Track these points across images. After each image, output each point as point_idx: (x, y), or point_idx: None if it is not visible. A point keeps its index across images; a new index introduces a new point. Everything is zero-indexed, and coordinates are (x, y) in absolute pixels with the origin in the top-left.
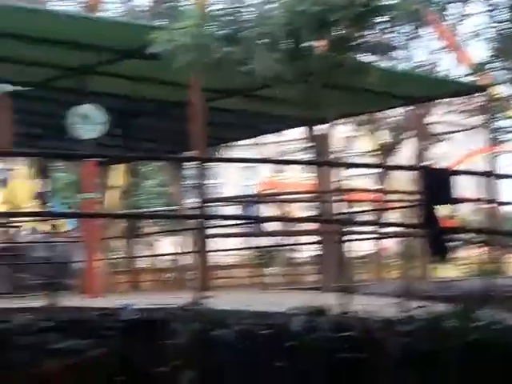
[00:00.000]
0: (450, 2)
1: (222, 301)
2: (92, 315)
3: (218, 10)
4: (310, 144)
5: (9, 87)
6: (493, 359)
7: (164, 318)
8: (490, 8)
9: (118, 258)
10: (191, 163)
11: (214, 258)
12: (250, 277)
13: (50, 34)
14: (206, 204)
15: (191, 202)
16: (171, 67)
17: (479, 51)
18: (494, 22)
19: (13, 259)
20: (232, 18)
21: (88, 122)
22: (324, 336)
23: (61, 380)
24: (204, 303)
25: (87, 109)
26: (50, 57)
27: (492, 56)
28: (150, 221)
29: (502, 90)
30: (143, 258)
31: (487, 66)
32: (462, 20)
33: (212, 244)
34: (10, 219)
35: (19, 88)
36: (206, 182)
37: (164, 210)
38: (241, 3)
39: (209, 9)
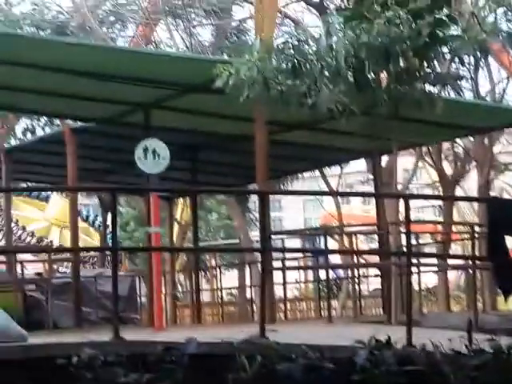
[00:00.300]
0: None
1: (287, 334)
2: (156, 349)
3: (282, 44)
4: (372, 176)
5: None
6: None
7: (228, 351)
8: None
9: (181, 291)
10: (255, 196)
11: (277, 291)
12: (315, 310)
13: (114, 70)
14: (269, 237)
15: (255, 234)
16: (235, 101)
17: None
18: None
19: (78, 293)
20: (296, 51)
21: (153, 156)
22: (390, 370)
23: None
24: (269, 337)
25: (152, 143)
26: (115, 92)
27: None
28: (214, 254)
29: None
30: (207, 292)
31: None
32: None
33: (275, 277)
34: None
35: (84, 124)
36: (269, 214)
37: (228, 243)
38: (305, 36)
39: (273, 42)
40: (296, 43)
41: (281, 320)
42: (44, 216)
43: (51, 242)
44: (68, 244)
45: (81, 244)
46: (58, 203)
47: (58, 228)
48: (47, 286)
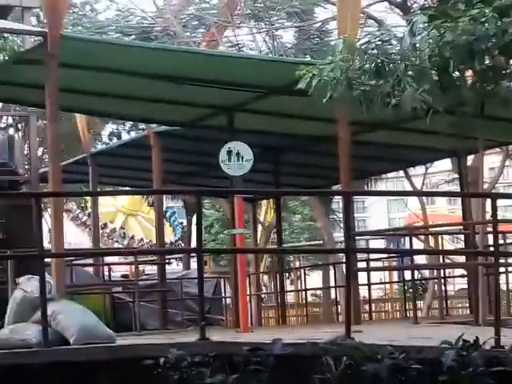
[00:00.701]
0: None
1: (372, 335)
2: (242, 350)
3: (365, 44)
4: (458, 175)
5: None
6: None
7: (314, 352)
8: None
9: (266, 292)
10: (338, 197)
11: (362, 292)
12: (400, 310)
13: (197, 73)
14: (354, 237)
15: (339, 235)
16: (318, 102)
17: None
18: None
19: (164, 295)
20: (379, 51)
21: (236, 158)
22: (477, 371)
23: None
24: (354, 337)
25: (236, 146)
26: (200, 96)
27: None
28: (298, 255)
29: None
30: (291, 293)
31: None
32: None
33: (360, 278)
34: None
35: (169, 127)
36: (353, 215)
37: (311, 245)
38: (388, 36)
39: (356, 43)
40: (379, 43)
41: (366, 321)
42: (113, 202)
43: (123, 230)
44: (132, 231)
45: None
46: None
47: (123, 215)
48: (134, 288)
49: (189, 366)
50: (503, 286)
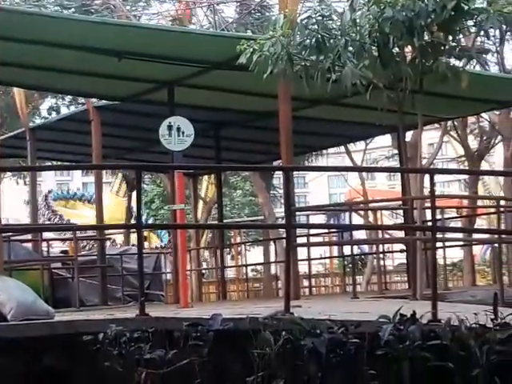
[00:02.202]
0: None
1: (312, 310)
2: (181, 325)
3: (306, 19)
4: (397, 151)
5: None
6: None
7: (253, 327)
8: None
9: (207, 268)
10: (279, 172)
11: (302, 267)
12: (339, 285)
13: (138, 47)
14: (294, 213)
15: (279, 211)
16: (259, 77)
17: None
18: None
19: (103, 271)
20: (320, 26)
21: (177, 133)
22: (414, 344)
23: None
24: (293, 312)
25: (176, 121)
26: (140, 70)
27: None
28: (239, 230)
29: None
30: (232, 268)
31: None
32: None
33: (300, 253)
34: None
35: (109, 102)
36: (293, 190)
37: (252, 220)
38: (328, 11)
39: (297, 18)
40: (320, 18)
41: (305, 296)
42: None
43: None
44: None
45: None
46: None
47: None
48: (73, 263)
49: (128, 341)
50: (440, 261)
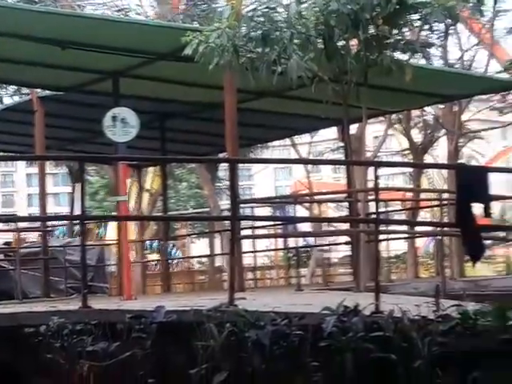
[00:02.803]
0: None
1: (256, 302)
2: (124, 317)
3: (251, 11)
4: (343, 143)
5: None
6: None
7: (197, 319)
8: None
9: (151, 260)
10: (225, 164)
11: (247, 260)
12: (284, 278)
13: (82, 37)
14: (239, 205)
15: (225, 203)
16: (205, 69)
17: None
18: None
19: (46, 263)
20: (266, 18)
21: (122, 125)
22: (357, 336)
23: (94, 382)
24: (237, 304)
25: (121, 112)
26: (85, 61)
27: None
28: (184, 223)
29: None
30: (177, 260)
31: None
32: (497, 16)
33: (245, 245)
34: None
35: (53, 92)
36: (239, 183)
37: (198, 212)
38: (274, 3)
39: (243, 10)
40: (266, 10)
41: (250, 288)
42: None
43: None
44: None
45: None
46: None
47: None
48: (15, 255)
49: (70, 333)
50: (384, 253)
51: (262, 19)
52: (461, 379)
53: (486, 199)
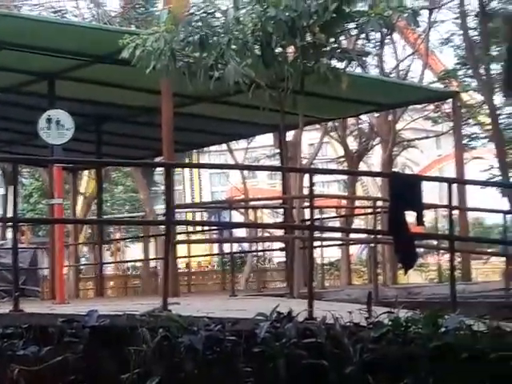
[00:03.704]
0: (421, 8)
1: (190, 307)
2: (56, 321)
3: (190, 15)
4: (279, 150)
5: None
6: (459, 365)
7: (130, 324)
8: (459, 16)
9: (85, 264)
10: (161, 169)
11: (182, 264)
12: (219, 283)
13: (20, 38)
14: (174, 210)
15: (160, 207)
16: (142, 72)
17: (449, 58)
18: (462, 30)
19: None
20: (203, 23)
21: (57, 127)
22: (290, 342)
23: None
24: (171, 309)
25: (56, 114)
26: (20, 62)
27: (460, 63)
28: (119, 227)
29: (470, 97)
30: (111, 264)
31: (456, 73)
32: (432, 27)
33: (180, 250)
34: None
35: None
36: (175, 187)
37: (133, 216)
38: (212, 9)
39: (181, 14)
40: (204, 15)
41: (184, 293)
42: None
43: None
44: None
45: None
46: None
47: None
48: None
49: (1, 337)
50: (318, 260)
51: (199, 24)
52: None
53: (419, 207)
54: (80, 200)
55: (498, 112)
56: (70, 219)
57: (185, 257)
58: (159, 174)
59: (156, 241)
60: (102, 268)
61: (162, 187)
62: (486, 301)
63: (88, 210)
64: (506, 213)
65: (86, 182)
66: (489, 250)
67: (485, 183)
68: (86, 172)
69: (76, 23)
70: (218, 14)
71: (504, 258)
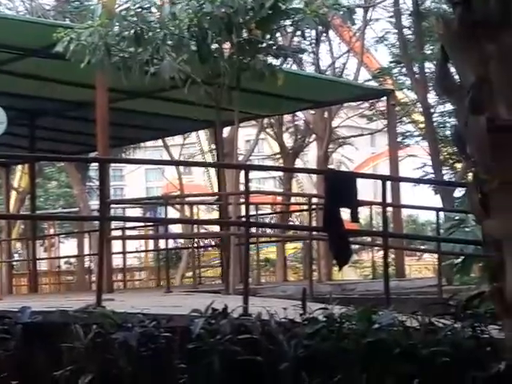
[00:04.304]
0: (357, 7)
1: (124, 303)
2: None
3: (125, 10)
4: (215, 146)
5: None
6: (392, 360)
7: (63, 320)
8: (393, 14)
9: (18, 260)
10: (95, 164)
11: (116, 261)
12: (154, 279)
13: None
14: (109, 205)
15: (95, 203)
16: (76, 67)
17: (384, 56)
18: (397, 29)
19: None
20: (139, 18)
21: None
22: (225, 338)
23: None
24: (105, 306)
25: None
26: None
27: (395, 62)
28: (53, 222)
29: (405, 95)
30: (45, 260)
31: (390, 71)
32: (367, 25)
33: (115, 246)
34: None
35: None
36: (109, 183)
37: (67, 212)
38: (148, 3)
39: (116, 8)
40: (139, 10)
41: (119, 289)
42: None
43: None
44: None
45: None
46: None
47: None
48: None
49: None
50: (254, 256)
51: (135, 19)
52: (326, 381)
53: (354, 204)
54: (13, 195)
55: (431, 110)
56: (2, 214)
57: (120, 253)
58: (94, 169)
59: (90, 237)
60: (35, 264)
61: (97, 182)
62: (418, 297)
63: (21, 205)
64: (438, 210)
65: (20, 176)
66: (422, 247)
67: (418, 181)
68: (19, 167)
69: (9, 16)
70: (153, 9)
71: (436, 255)
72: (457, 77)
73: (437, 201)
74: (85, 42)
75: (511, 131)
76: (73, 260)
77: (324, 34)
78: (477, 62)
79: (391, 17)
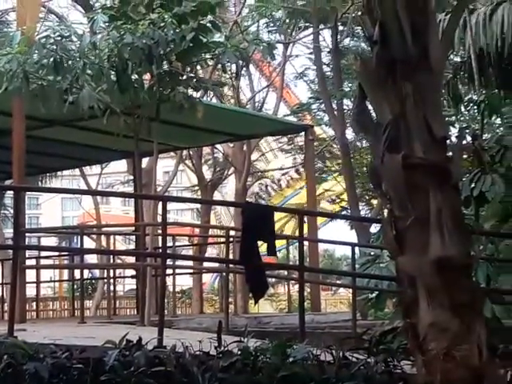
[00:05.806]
0: (277, 42)
1: (37, 333)
2: None
3: (44, 38)
4: (133, 176)
5: None
6: None
7: None
8: (313, 51)
9: None
10: (11, 192)
11: (30, 290)
12: (68, 309)
13: None
14: (23, 234)
15: (10, 231)
16: None
17: (303, 92)
18: (316, 65)
19: None
20: (58, 46)
21: None
22: (139, 370)
23: None
24: (17, 336)
25: None
26: None
27: (313, 97)
28: None
29: (323, 131)
30: None
31: (309, 107)
32: (287, 61)
33: (29, 275)
34: None
35: None
36: (25, 211)
37: None
38: (68, 32)
39: (36, 36)
40: (59, 38)
41: (32, 319)
42: None
43: None
44: None
45: None
46: None
47: None
48: None
49: None
50: (170, 288)
51: (54, 47)
52: None
53: (271, 237)
54: None
55: (349, 146)
56: None
57: (34, 282)
58: (10, 196)
59: (3, 265)
60: None
61: (12, 210)
62: (333, 331)
63: None
64: (354, 245)
65: None
66: (337, 282)
67: (334, 216)
68: None
69: None
70: (74, 38)
71: (351, 290)
72: (374, 114)
73: (353, 236)
74: (2, 68)
75: (426, 169)
76: None
77: (244, 69)
78: (394, 100)
79: (311, 53)
